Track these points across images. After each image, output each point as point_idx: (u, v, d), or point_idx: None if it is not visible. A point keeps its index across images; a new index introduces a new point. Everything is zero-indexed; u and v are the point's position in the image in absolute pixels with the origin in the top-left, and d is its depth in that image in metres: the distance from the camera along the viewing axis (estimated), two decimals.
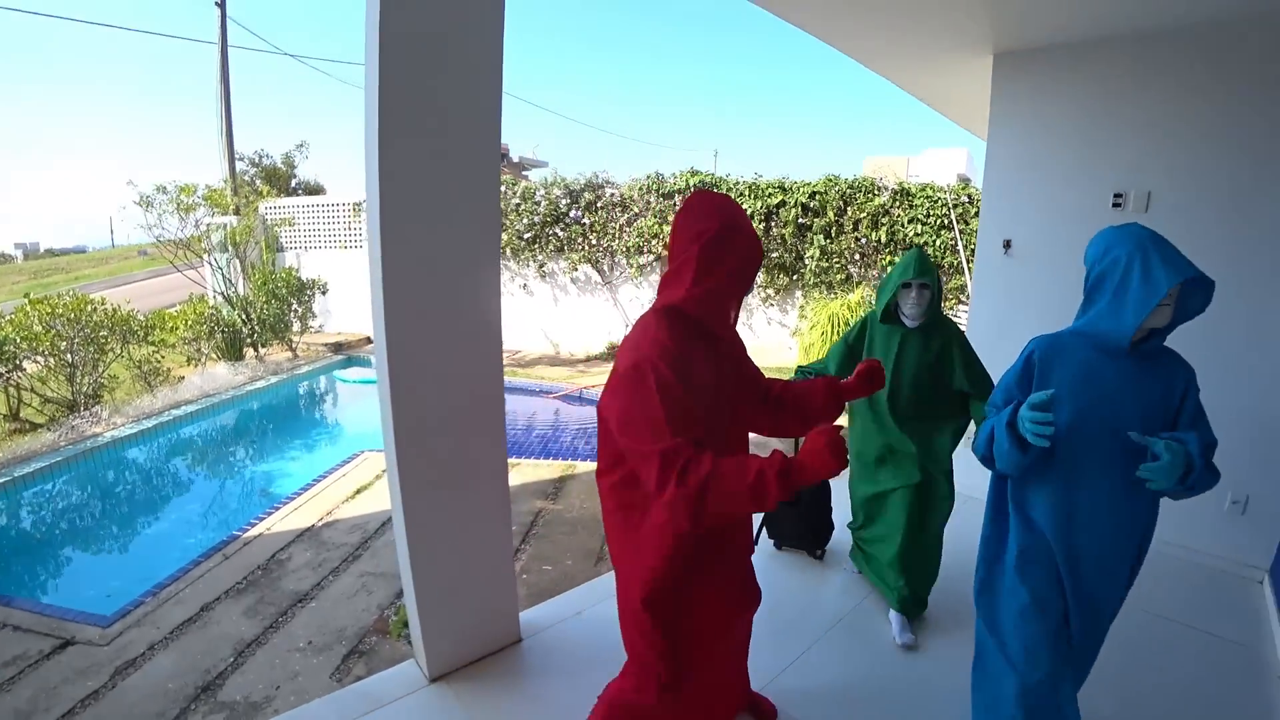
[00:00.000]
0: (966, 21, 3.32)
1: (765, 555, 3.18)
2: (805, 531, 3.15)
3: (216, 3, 12.87)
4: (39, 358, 6.81)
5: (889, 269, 6.86)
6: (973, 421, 2.54)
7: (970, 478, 2.67)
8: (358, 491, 4.77)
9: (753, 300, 9.41)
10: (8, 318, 6.76)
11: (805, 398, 1.74)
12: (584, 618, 2.70)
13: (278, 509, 4.56)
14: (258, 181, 14.12)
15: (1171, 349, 1.65)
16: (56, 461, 5.68)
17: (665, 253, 8.90)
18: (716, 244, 1.44)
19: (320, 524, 4.30)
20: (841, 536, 3.19)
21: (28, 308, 6.79)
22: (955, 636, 2.57)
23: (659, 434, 1.31)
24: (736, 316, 1.58)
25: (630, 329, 1.51)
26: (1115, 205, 3.33)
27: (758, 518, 3.13)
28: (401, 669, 2.50)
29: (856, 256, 8.78)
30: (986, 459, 1.72)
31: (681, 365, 1.41)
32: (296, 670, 2.91)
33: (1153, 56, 3.24)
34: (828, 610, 2.79)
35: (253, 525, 4.33)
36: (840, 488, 3.04)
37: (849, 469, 2.77)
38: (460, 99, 2.04)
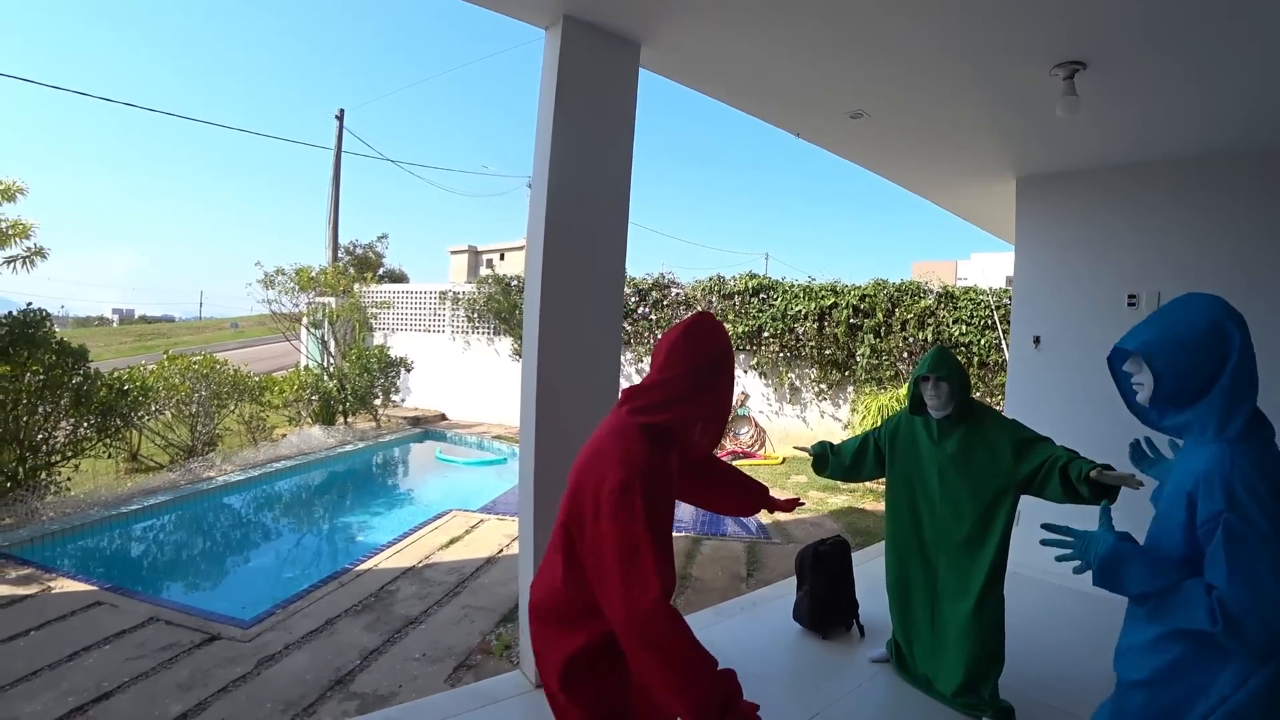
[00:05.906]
0: (992, 153, 4.03)
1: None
2: (828, 611, 3.37)
3: (336, 115, 14.93)
4: (170, 408, 7.79)
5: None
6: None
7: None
8: (451, 541, 5.34)
9: (806, 394, 9.92)
10: (150, 369, 7.80)
11: (734, 483, 2.01)
12: None
13: (381, 550, 5.15)
14: (350, 269, 15.69)
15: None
16: (180, 496, 6.49)
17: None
18: (712, 368, 1.48)
19: (421, 565, 4.86)
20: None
21: (166, 362, 7.85)
22: None
23: (645, 576, 1.27)
24: (709, 443, 1.57)
25: (603, 434, 1.47)
26: (1130, 304, 3.85)
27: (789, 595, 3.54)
28: (509, 676, 2.99)
29: (905, 355, 9.27)
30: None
31: (665, 486, 1.39)
32: (415, 675, 3.39)
33: (1150, 181, 3.90)
34: None
35: (361, 562, 4.91)
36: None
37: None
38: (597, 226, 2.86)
